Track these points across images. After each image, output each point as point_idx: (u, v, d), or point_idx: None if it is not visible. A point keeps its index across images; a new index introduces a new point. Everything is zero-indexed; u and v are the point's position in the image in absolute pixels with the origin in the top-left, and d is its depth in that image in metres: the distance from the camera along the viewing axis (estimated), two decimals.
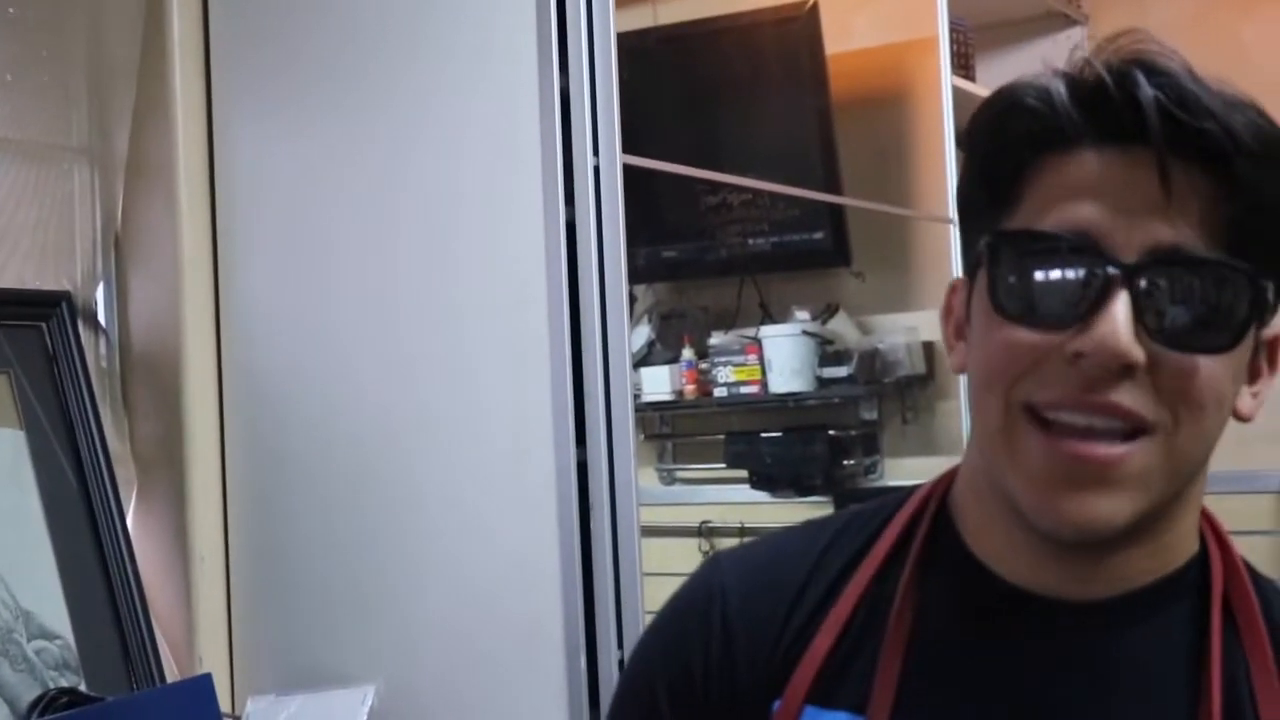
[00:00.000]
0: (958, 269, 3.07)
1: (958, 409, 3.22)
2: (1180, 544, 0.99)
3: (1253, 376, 0.97)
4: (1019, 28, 3.80)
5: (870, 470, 3.36)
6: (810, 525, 1.12)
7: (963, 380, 3.02)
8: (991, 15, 3.65)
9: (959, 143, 2.99)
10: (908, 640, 1.00)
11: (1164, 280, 0.89)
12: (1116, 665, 0.97)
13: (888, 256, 3.32)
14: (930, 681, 1.00)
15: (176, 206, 2.26)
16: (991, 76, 3.68)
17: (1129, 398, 0.89)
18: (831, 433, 3.28)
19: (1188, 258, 0.89)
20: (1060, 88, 0.93)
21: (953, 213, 3.12)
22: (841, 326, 3.30)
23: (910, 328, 3.28)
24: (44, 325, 2.16)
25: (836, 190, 3.14)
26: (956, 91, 3.16)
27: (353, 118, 2.17)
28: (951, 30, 3.15)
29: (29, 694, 1.92)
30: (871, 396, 3.32)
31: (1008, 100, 0.96)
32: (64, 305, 2.18)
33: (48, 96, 2.31)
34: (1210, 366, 0.90)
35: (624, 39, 1.97)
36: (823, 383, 3.24)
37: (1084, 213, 0.91)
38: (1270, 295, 0.92)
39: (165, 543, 2.25)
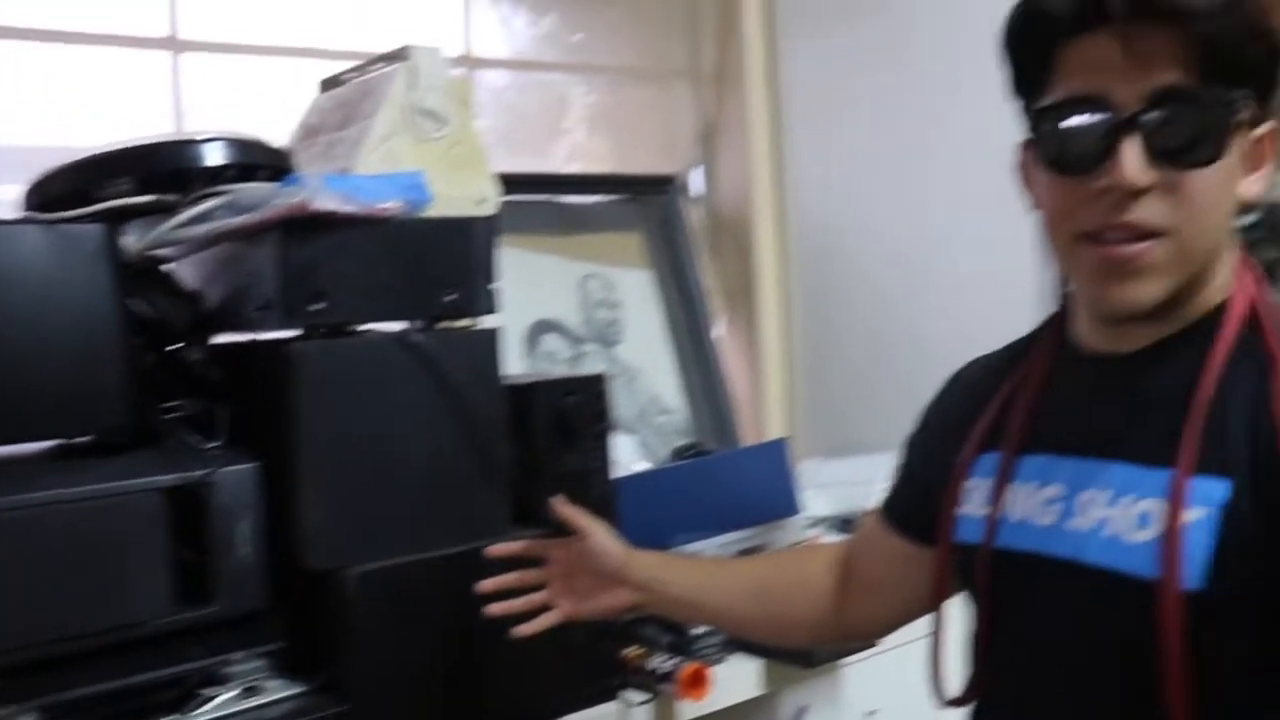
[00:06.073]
0: None
1: None
2: (1202, 305, 0.97)
3: (1255, 166, 0.97)
4: None
5: None
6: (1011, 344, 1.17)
7: None
8: None
9: None
10: (1035, 400, 1.06)
11: (1158, 117, 0.90)
12: (1146, 391, 0.97)
13: None
14: (1046, 417, 1.05)
15: (748, 108, 2.34)
16: None
17: (1145, 212, 0.91)
18: None
19: (1175, 94, 0.90)
20: None
21: None
22: None
23: None
24: (660, 198, 2.32)
25: None
26: None
27: (879, 34, 2.17)
28: None
29: (661, 449, 2.13)
30: (1273, 241, 3.08)
31: (1022, 9, 0.98)
32: (673, 184, 2.33)
33: (658, 35, 2.43)
34: (1203, 177, 0.91)
35: None
36: None
37: (1093, 80, 0.92)
38: (1240, 107, 0.92)
39: (744, 350, 2.37)
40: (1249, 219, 3.00)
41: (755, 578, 1.32)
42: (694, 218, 2.39)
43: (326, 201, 1.24)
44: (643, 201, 2.29)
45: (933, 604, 1.14)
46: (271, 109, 1.79)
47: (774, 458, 1.79)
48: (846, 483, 2.08)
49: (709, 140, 2.43)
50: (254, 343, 1.30)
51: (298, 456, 1.23)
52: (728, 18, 2.38)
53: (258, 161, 1.39)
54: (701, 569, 1.35)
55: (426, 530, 1.30)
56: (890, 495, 1.25)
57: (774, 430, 2.32)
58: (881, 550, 1.23)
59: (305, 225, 1.24)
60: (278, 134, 1.52)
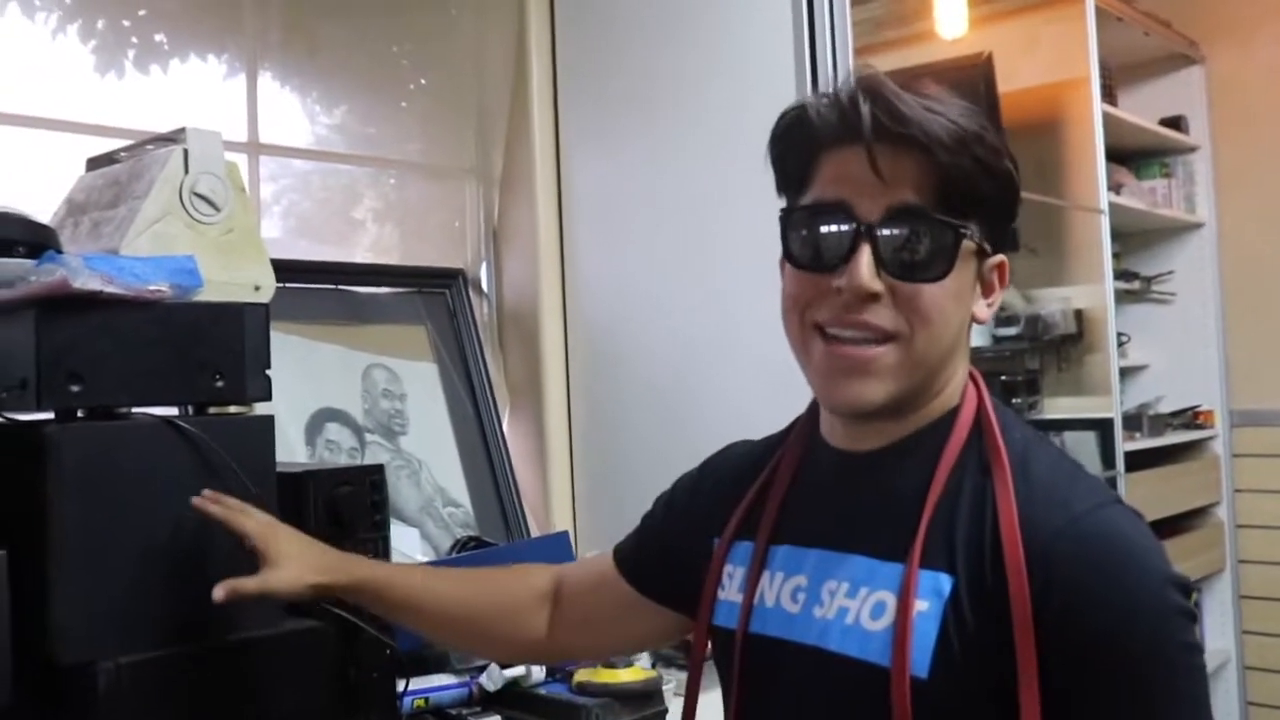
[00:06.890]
0: (1106, 254, 3.04)
1: (1103, 360, 3.16)
2: (935, 411, 1.04)
3: (987, 292, 1.05)
4: (1151, 67, 3.69)
5: (1032, 406, 3.31)
6: (770, 437, 1.23)
7: (1111, 335, 2.98)
8: (1129, 58, 3.56)
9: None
10: (785, 493, 1.11)
11: (894, 231, 0.97)
12: (883, 489, 1.03)
13: (1047, 242, 3.27)
14: (794, 510, 1.10)
15: (535, 208, 2.37)
16: (1132, 103, 3.60)
17: (875, 316, 0.98)
18: (1004, 378, 3.21)
19: (909, 212, 0.97)
20: (820, 109, 1.01)
21: (1101, 204, 3.07)
22: (1011, 296, 3.26)
23: (1064, 297, 3.21)
24: (447, 292, 2.32)
25: None
26: (1106, 115, 3.09)
27: (657, 143, 2.24)
28: (1100, 69, 3.09)
29: (445, 541, 2.09)
30: (1034, 350, 3.27)
31: (790, 118, 1.05)
32: (461, 278, 2.34)
33: (448, 134, 2.46)
34: (932, 291, 0.98)
35: None
36: (997, 340, 3.22)
37: (841, 190, 0.99)
38: (972, 236, 0.99)
39: (530, 443, 2.37)
40: (1012, 330, 3.21)
41: (472, 589, 1.31)
42: (480, 312, 2.39)
43: (89, 281, 1.19)
44: (430, 294, 2.28)
45: (692, 678, 1.17)
46: (36, 183, 1.72)
47: (557, 550, 1.79)
48: None
49: (496, 238, 2.45)
50: (6, 424, 1.23)
51: (49, 544, 1.16)
52: (516, 123, 2.41)
53: (15, 236, 1.33)
54: (418, 576, 1.31)
55: (190, 622, 1.24)
56: (628, 543, 1.29)
57: (561, 523, 2.32)
58: (607, 591, 1.27)
59: (65, 304, 1.19)
60: (41, 209, 1.46)
